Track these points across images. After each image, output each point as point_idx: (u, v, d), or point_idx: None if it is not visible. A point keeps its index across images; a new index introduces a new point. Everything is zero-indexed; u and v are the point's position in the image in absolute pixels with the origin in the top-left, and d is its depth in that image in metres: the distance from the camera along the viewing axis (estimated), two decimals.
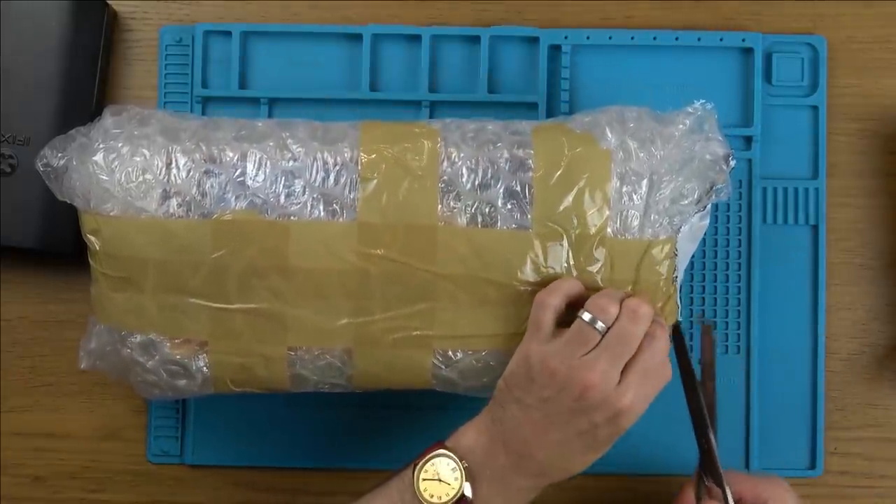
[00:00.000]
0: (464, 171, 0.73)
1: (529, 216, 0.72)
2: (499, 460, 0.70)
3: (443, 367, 0.74)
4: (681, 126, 0.74)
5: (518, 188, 0.72)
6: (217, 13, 0.87)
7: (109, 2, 0.86)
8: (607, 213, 0.72)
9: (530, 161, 0.73)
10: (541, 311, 0.71)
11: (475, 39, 0.85)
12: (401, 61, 0.86)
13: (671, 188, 0.73)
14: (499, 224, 0.72)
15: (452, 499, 0.69)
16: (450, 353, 0.74)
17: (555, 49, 0.85)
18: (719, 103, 0.84)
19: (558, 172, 0.72)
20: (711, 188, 0.74)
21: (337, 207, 0.72)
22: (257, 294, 0.73)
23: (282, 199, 0.72)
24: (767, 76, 0.85)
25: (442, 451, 0.70)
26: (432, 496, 0.69)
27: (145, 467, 0.85)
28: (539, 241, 0.72)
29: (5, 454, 0.85)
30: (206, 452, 0.85)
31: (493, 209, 0.72)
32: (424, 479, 0.69)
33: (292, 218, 0.72)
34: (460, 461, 0.69)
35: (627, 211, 0.72)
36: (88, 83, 0.84)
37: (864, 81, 0.86)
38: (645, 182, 0.72)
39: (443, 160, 0.73)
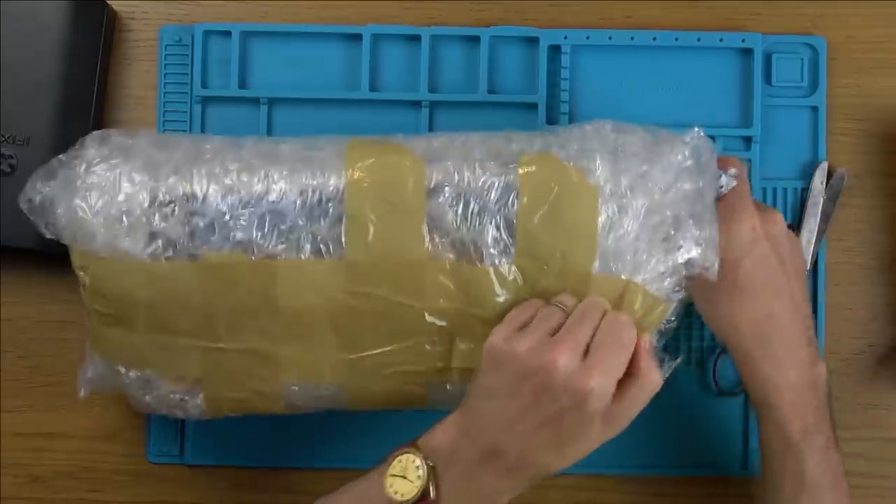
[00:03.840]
0: (449, 206, 0.71)
1: (514, 251, 0.71)
2: (466, 456, 0.69)
3: (436, 396, 0.74)
4: (678, 157, 0.72)
5: (503, 222, 0.71)
6: (217, 13, 0.87)
7: (109, 2, 0.86)
8: (593, 249, 0.70)
9: (516, 194, 0.71)
10: (514, 310, 0.71)
11: (475, 39, 0.85)
12: (401, 61, 0.86)
13: (663, 230, 0.71)
14: (484, 258, 0.71)
15: (414, 497, 0.68)
16: (443, 384, 0.74)
17: (555, 49, 0.85)
18: (719, 103, 0.85)
19: (544, 207, 0.71)
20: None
21: (323, 246, 0.71)
22: (247, 334, 0.73)
23: (268, 238, 0.71)
24: (767, 77, 0.85)
25: (410, 448, 0.69)
26: (396, 493, 0.68)
27: (145, 467, 0.85)
28: (522, 276, 0.71)
29: (5, 454, 0.85)
30: (206, 452, 0.85)
31: (478, 244, 0.71)
32: (392, 476, 0.69)
33: (279, 258, 0.71)
34: (425, 460, 0.69)
35: (615, 249, 0.70)
36: (88, 83, 0.84)
37: (864, 81, 0.86)
38: (633, 220, 0.71)
39: (429, 194, 0.71)
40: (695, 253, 0.71)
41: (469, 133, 0.74)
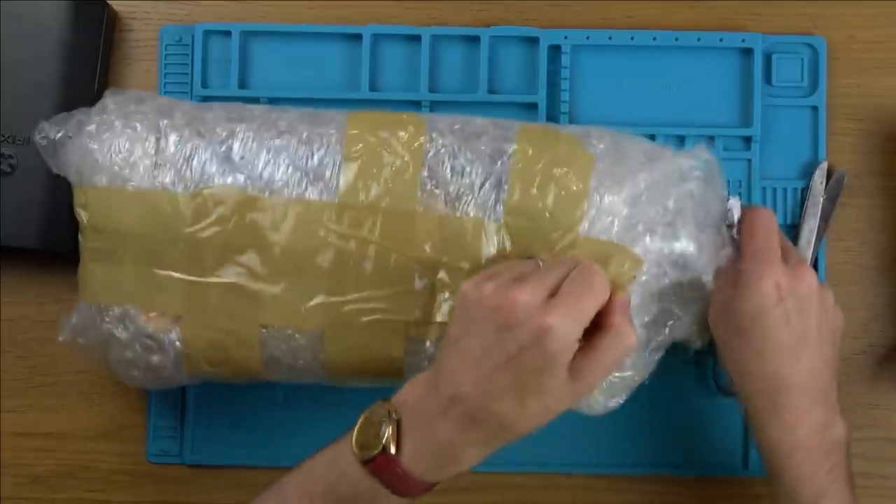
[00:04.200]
0: (446, 158, 0.73)
1: (503, 208, 0.72)
2: (429, 408, 0.66)
3: (415, 354, 0.74)
4: (680, 160, 0.73)
5: (496, 180, 0.72)
6: (217, 13, 0.87)
7: (109, 2, 0.86)
8: (582, 213, 0.71)
9: (511, 154, 0.73)
10: (495, 266, 0.70)
11: (475, 39, 0.85)
12: (401, 61, 0.86)
13: (658, 207, 0.72)
14: (473, 213, 0.72)
15: (376, 452, 0.66)
16: (423, 340, 0.73)
17: (555, 49, 0.85)
18: (719, 103, 0.85)
19: (537, 166, 0.72)
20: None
21: (319, 187, 0.73)
22: (232, 269, 0.73)
23: (265, 175, 0.73)
24: (767, 76, 0.85)
25: (379, 401, 0.68)
26: (362, 447, 0.67)
27: (145, 467, 0.85)
28: (509, 233, 0.72)
29: (5, 454, 0.85)
30: (206, 452, 0.85)
31: (470, 198, 0.73)
32: (360, 429, 0.68)
33: (273, 195, 0.73)
34: (391, 413, 0.67)
35: (606, 216, 0.71)
36: (88, 83, 0.84)
37: (864, 81, 0.86)
38: (627, 191, 0.72)
39: (427, 147, 0.73)
40: (691, 249, 0.72)
41: (472, 115, 0.77)
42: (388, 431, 0.66)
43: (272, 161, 0.73)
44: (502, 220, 0.72)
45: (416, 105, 0.85)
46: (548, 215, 0.72)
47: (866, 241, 0.85)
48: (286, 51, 0.86)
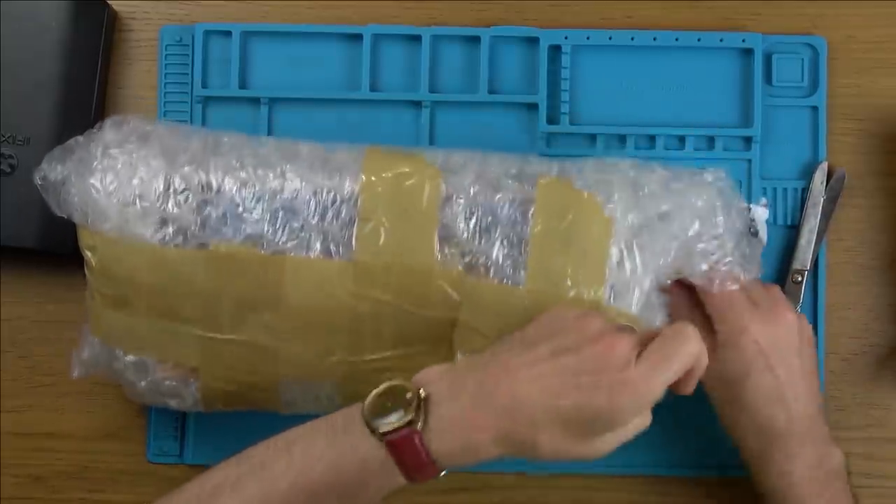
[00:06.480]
0: (463, 218, 0.72)
1: (523, 272, 0.71)
2: (465, 388, 0.64)
3: None
4: (699, 201, 0.73)
5: (515, 241, 0.71)
6: (217, 13, 0.87)
7: (109, 2, 0.86)
8: (602, 278, 0.71)
9: (531, 215, 0.72)
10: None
11: (475, 39, 0.85)
12: (401, 61, 0.86)
13: (676, 269, 0.73)
14: (492, 275, 0.71)
15: (402, 422, 0.63)
16: None
17: (555, 49, 0.85)
18: (719, 103, 0.85)
19: (557, 231, 0.71)
20: None
21: (333, 246, 0.72)
22: (250, 327, 0.73)
23: (279, 234, 0.72)
24: (767, 77, 0.85)
25: (400, 382, 0.65)
26: (378, 415, 0.64)
27: (145, 467, 0.85)
28: (530, 297, 0.71)
29: (5, 454, 0.85)
30: (206, 452, 0.84)
31: (488, 259, 0.71)
32: (376, 402, 0.64)
33: (289, 254, 0.72)
34: (419, 390, 0.64)
35: (628, 283, 0.71)
36: (88, 83, 0.84)
37: (864, 81, 0.86)
38: (647, 257, 0.72)
39: (443, 204, 0.72)
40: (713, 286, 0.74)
41: (487, 152, 0.75)
42: (415, 403, 0.63)
43: (286, 220, 0.72)
44: (523, 285, 0.71)
45: (416, 105, 0.85)
46: (569, 282, 0.71)
47: (866, 241, 0.85)
48: (286, 51, 0.86)
